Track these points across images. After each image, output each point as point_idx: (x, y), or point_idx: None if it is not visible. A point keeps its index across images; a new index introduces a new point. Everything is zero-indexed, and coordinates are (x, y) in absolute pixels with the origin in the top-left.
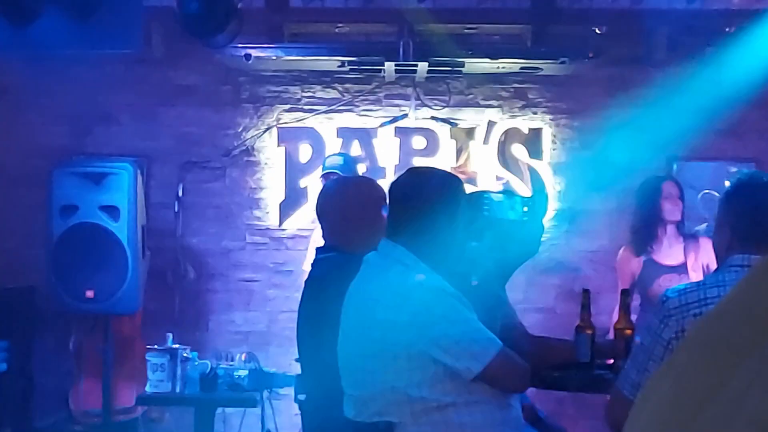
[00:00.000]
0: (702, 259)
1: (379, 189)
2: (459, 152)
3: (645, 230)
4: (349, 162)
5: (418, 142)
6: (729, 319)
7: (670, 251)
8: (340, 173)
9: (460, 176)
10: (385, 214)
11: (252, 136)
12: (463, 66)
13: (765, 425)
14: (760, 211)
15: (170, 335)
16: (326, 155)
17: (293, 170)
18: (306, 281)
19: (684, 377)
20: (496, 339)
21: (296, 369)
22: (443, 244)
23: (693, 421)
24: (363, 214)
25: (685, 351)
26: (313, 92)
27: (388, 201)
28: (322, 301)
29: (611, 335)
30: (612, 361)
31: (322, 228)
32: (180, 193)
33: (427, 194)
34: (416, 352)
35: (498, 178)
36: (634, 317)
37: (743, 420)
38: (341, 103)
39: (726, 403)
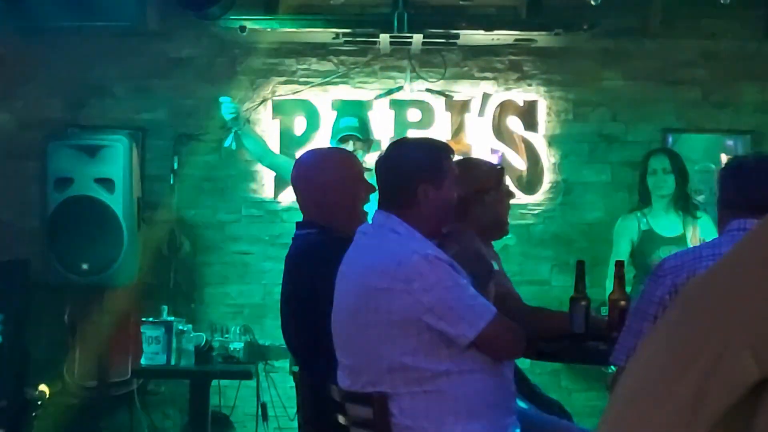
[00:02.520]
0: (701, 231)
1: (356, 163)
2: (454, 125)
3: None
4: (364, 124)
5: (413, 114)
6: (717, 281)
7: (668, 222)
8: (359, 136)
9: (455, 148)
10: (362, 188)
11: (247, 109)
12: (458, 38)
13: (736, 388)
14: (747, 182)
15: (165, 308)
16: (338, 117)
17: (288, 142)
18: (285, 258)
19: (674, 337)
20: (490, 305)
21: None
22: (433, 211)
23: (681, 377)
24: (337, 190)
25: (676, 310)
26: (308, 64)
27: (376, 174)
28: (300, 278)
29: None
30: None
31: (297, 201)
32: (175, 166)
33: (410, 164)
34: (411, 319)
35: (493, 151)
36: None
37: (718, 382)
38: (336, 76)
39: (705, 365)
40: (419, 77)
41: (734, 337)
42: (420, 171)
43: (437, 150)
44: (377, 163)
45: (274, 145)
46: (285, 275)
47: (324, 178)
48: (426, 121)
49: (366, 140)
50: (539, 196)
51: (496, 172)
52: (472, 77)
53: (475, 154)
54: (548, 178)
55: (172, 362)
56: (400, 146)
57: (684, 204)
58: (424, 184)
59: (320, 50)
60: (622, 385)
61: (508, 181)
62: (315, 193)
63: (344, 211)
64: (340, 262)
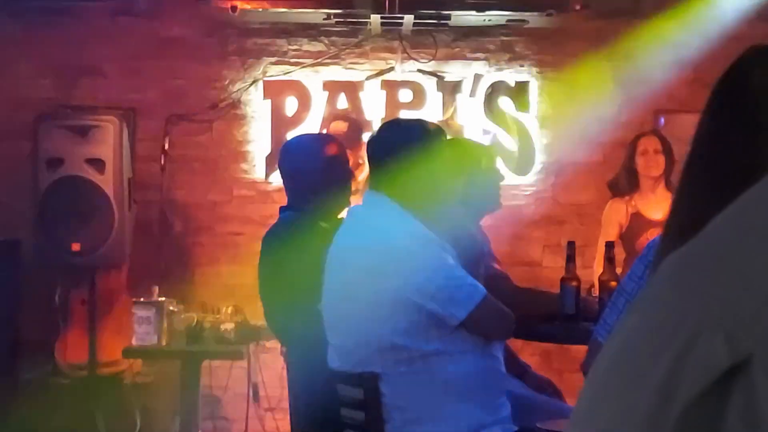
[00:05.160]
0: None
1: (331, 148)
2: (445, 105)
3: (624, 183)
4: (355, 129)
5: (405, 95)
6: (694, 260)
7: (657, 205)
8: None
9: (446, 129)
10: (338, 172)
11: (238, 89)
12: (449, 19)
13: (708, 372)
14: None
15: (156, 288)
16: (334, 120)
17: (279, 123)
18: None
19: (651, 316)
20: (480, 286)
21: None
22: (424, 192)
23: (657, 358)
24: (308, 174)
25: (653, 289)
26: (300, 45)
27: (367, 154)
28: (267, 257)
29: (596, 287)
30: None
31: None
32: (166, 146)
33: (402, 145)
34: (401, 299)
35: (485, 132)
36: (618, 270)
37: (691, 365)
38: (327, 56)
39: (679, 347)
40: (411, 58)
41: (708, 319)
42: (413, 151)
43: (428, 130)
44: (368, 143)
45: (265, 126)
46: (260, 256)
47: (296, 164)
48: (417, 101)
49: (354, 147)
50: (531, 177)
51: (485, 151)
52: (463, 58)
53: (467, 134)
54: (540, 158)
55: (163, 343)
56: (392, 127)
57: (672, 187)
58: (417, 164)
59: (311, 31)
60: (599, 364)
61: (498, 161)
62: (290, 178)
63: (316, 195)
64: (308, 241)
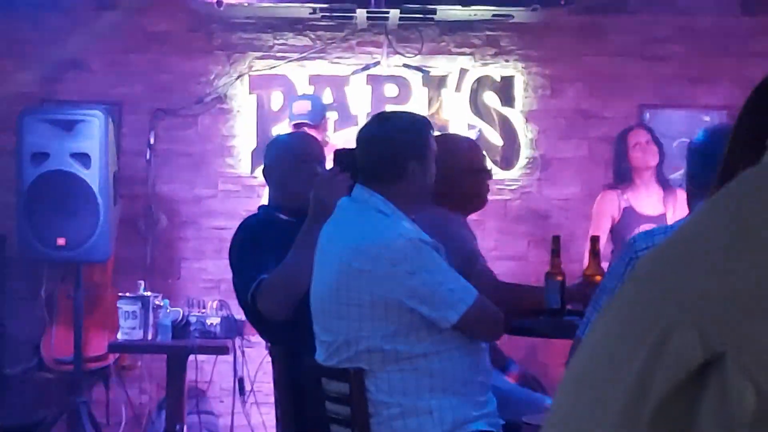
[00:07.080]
0: (680, 210)
1: (296, 147)
2: (431, 100)
3: (619, 179)
4: (318, 107)
5: (390, 89)
6: (669, 257)
7: (649, 201)
8: (310, 122)
9: (432, 123)
10: (302, 169)
11: (224, 84)
12: (435, 13)
13: (681, 368)
14: (710, 160)
15: (142, 283)
16: (294, 100)
17: (265, 118)
18: None
19: (626, 313)
20: (471, 288)
21: None
22: (413, 188)
23: (632, 354)
24: (272, 173)
25: (629, 286)
26: (285, 39)
27: (359, 149)
28: (235, 255)
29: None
30: None
31: None
32: (151, 141)
33: (399, 139)
34: (393, 302)
35: (470, 126)
36: (605, 264)
37: (664, 360)
38: (313, 51)
39: (653, 343)
40: (396, 53)
41: (682, 315)
42: (409, 147)
43: (422, 125)
44: (360, 137)
45: (250, 120)
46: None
47: (268, 161)
48: (403, 96)
49: (318, 125)
50: (516, 172)
51: (475, 147)
52: (449, 53)
53: (452, 129)
54: (525, 153)
55: (149, 337)
56: (386, 121)
57: (663, 182)
58: (413, 160)
59: (297, 25)
60: (575, 362)
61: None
62: (265, 176)
63: (279, 193)
64: (271, 237)
